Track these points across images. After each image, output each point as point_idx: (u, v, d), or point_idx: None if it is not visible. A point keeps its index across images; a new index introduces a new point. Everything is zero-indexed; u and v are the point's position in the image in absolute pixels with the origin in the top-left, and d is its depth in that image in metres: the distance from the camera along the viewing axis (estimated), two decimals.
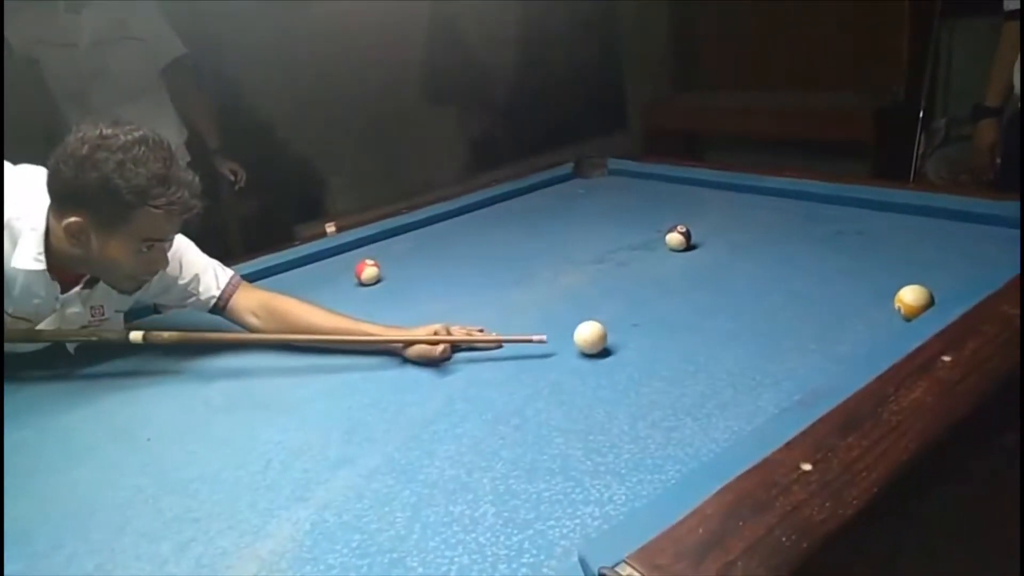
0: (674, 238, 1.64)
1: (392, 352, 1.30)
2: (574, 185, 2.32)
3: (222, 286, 1.41)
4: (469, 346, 1.29)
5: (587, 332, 1.23)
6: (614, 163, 2.36)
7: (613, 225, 1.88)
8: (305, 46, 2.98)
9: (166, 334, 1.29)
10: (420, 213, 2.09)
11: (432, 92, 3.56)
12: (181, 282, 1.39)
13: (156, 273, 1.31)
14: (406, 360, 1.28)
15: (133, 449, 1.11)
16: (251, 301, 1.41)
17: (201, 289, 1.40)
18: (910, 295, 1.20)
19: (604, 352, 1.23)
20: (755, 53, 3.91)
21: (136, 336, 1.27)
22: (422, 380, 1.22)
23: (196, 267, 1.41)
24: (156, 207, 1.18)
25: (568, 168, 2.38)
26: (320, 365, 1.31)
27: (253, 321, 1.39)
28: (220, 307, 1.41)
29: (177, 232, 1.28)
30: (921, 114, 3.26)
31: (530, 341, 1.24)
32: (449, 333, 1.27)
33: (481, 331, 1.33)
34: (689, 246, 1.65)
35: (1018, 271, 1.18)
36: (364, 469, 0.99)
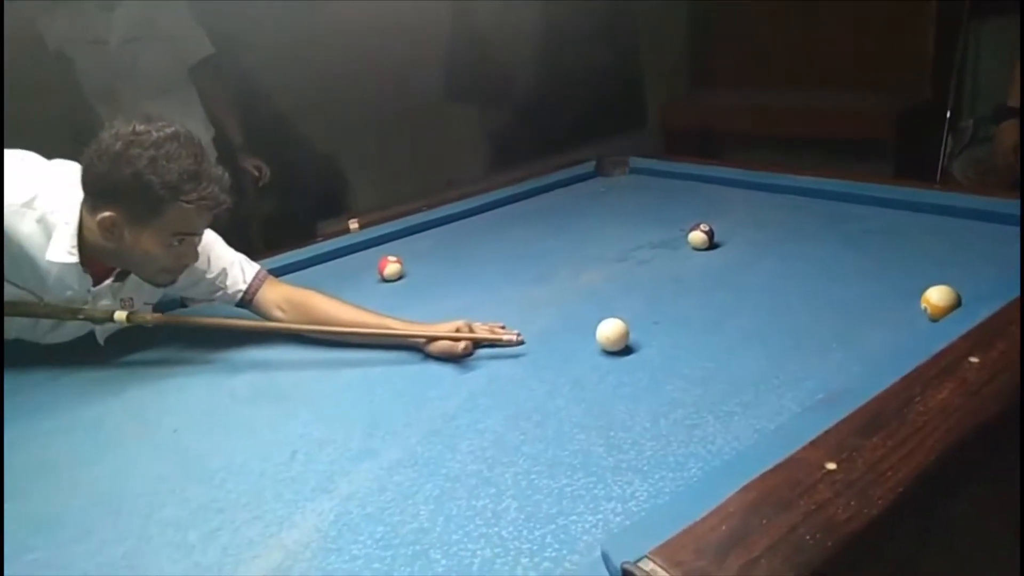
0: (697, 236, 1.64)
1: (414, 347, 1.31)
2: (595, 184, 2.32)
3: (248, 280, 1.43)
4: (491, 343, 1.29)
5: (609, 329, 1.23)
6: (636, 162, 2.35)
7: (634, 224, 1.88)
8: (327, 44, 3.00)
9: (149, 316, 1.34)
10: (442, 210, 2.10)
11: (453, 90, 3.57)
12: (209, 276, 1.41)
13: (187, 266, 1.33)
14: (428, 356, 1.29)
15: (160, 440, 1.13)
16: (277, 295, 1.42)
17: (228, 283, 1.42)
18: (936, 295, 1.18)
19: (626, 349, 1.23)
20: (775, 51, 3.87)
21: (120, 316, 1.30)
22: (444, 375, 1.23)
23: (223, 261, 1.43)
24: (188, 202, 1.20)
25: (590, 167, 2.38)
26: (343, 359, 1.32)
27: (279, 314, 1.41)
28: (247, 300, 1.43)
29: (207, 226, 1.30)
30: (948, 114, 3.22)
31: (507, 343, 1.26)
32: (471, 330, 1.28)
33: (503, 328, 1.34)
34: (712, 245, 1.64)
35: None
36: (387, 462, 1.00)
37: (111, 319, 1.30)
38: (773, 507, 0.74)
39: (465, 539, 0.83)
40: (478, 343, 1.29)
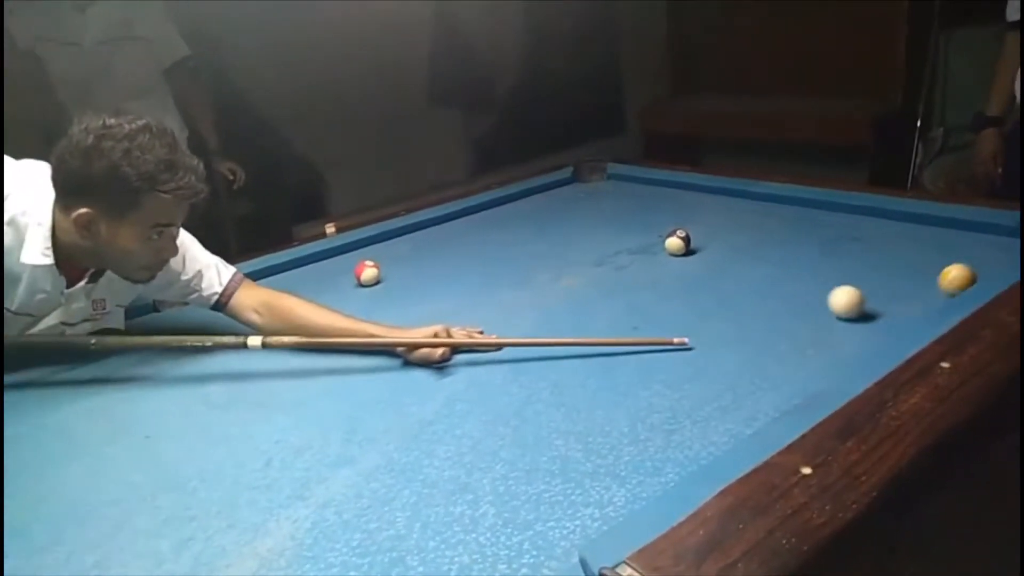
0: (674, 242, 1.65)
1: (392, 352, 1.30)
2: (574, 189, 2.33)
3: (224, 283, 1.41)
4: (469, 348, 1.29)
5: (844, 297, 1.25)
6: (613, 168, 2.36)
7: (612, 229, 1.89)
8: (309, 47, 2.98)
9: (111, 339, 1.34)
10: (420, 215, 2.10)
11: (433, 94, 3.56)
12: (184, 278, 1.39)
13: (166, 261, 1.31)
14: (406, 361, 1.28)
15: (131, 446, 1.11)
16: (253, 299, 1.41)
17: (204, 285, 1.41)
18: (956, 271, 1.27)
19: (603, 353, 1.23)
20: (753, 57, 3.92)
21: (92, 341, 1.31)
22: (422, 381, 1.22)
23: (199, 263, 1.41)
24: (165, 192, 1.19)
25: (568, 172, 2.38)
26: (320, 364, 1.31)
27: (255, 319, 1.39)
28: (222, 304, 1.41)
29: (185, 217, 1.28)
30: (919, 123, 3.28)
31: (670, 343, 1.23)
32: (449, 335, 1.28)
33: (481, 332, 1.33)
34: (689, 251, 1.65)
35: (1017, 278, 1.18)
36: (364, 468, 0.99)
37: (88, 346, 1.30)
38: (750, 512, 0.75)
39: (442, 546, 0.83)
40: (456, 348, 1.28)
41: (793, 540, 0.71)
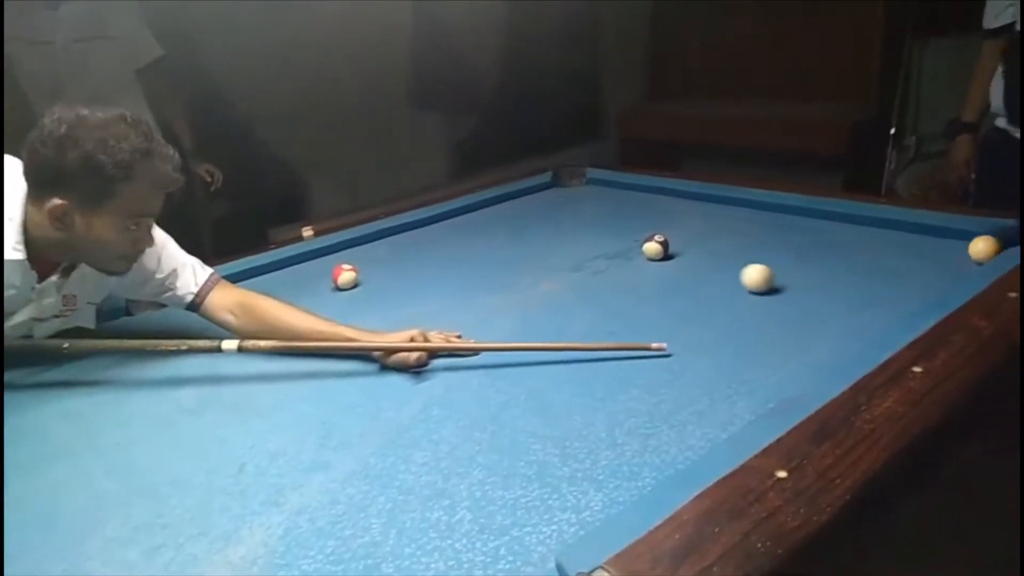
0: (652, 247, 1.65)
1: (368, 357, 1.29)
2: (553, 193, 2.33)
3: (200, 283, 1.40)
4: (447, 353, 1.28)
5: (756, 274, 1.40)
6: (593, 172, 2.37)
7: (591, 233, 1.89)
8: (287, 49, 2.96)
9: (84, 342, 1.31)
10: (399, 218, 2.09)
11: (415, 96, 3.56)
12: (159, 276, 1.38)
13: (143, 252, 1.29)
14: (382, 365, 1.27)
15: (102, 452, 1.09)
16: (228, 300, 1.39)
17: (179, 284, 1.39)
18: (983, 243, 1.43)
19: (580, 358, 1.23)
20: (732, 64, 3.96)
21: (65, 344, 1.29)
22: (399, 386, 1.22)
23: (175, 262, 1.39)
24: (141, 181, 1.17)
25: (547, 176, 2.39)
26: (295, 369, 1.30)
27: (230, 319, 1.37)
28: (197, 304, 1.39)
29: (160, 207, 1.26)
30: (892, 131, 3.33)
31: (648, 348, 1.22)
32: (426, 339, 1.27)
33: (459, 337, 1.33)
34: (667, 255, 1.66)
35: (987, 284, 1.20)
36: (339, 474, 0.98)
37: (60, 348, 1.27)
38: (726, 515, 0.75)
39: (418, 552, 0.82)
40: (433, 353, 1.27)
41: (768, 543, 0.71)
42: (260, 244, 1.97)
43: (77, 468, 1.05)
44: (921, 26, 3.29)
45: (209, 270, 1.43)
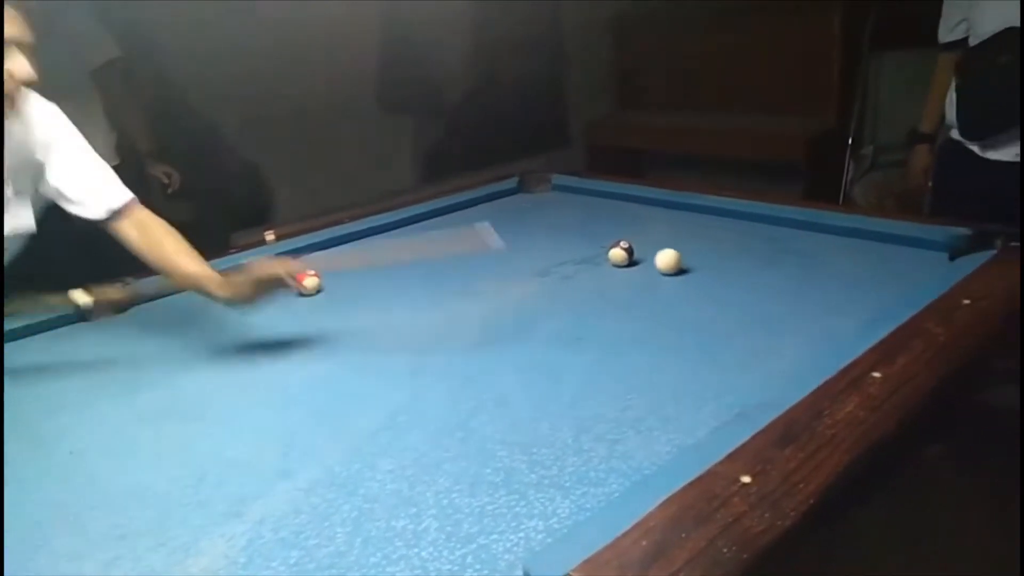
0: (617, 254, 1.66)
1: (333, 361, 1.27)
2: (519, 199, 2.33)
3: (117, 200, 1.38)
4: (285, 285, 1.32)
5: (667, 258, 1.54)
6: (558, 179, 2.38)
7: (557, 240, 1.89)
8: (252, 51, 2.92)
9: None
10: (364, 223, 2.06)
11: (382, 102, 3.54)
12: (79, 183, 1.36)
13: (22, 84, 1.25)
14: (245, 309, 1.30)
15: (55, 462, 1.06)
16: (139, 218, 1.38)
17: (103, 192, 1.37)
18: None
19: (547, 364, 1.23)
20: (695, 76, 4.02)
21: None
22: (364, 392, 1.20)
23: (89, 173, 1.38)
24: None
25: (513, 182, 2.39)
26: (258, 375, 1.28)
27: (133, 236, 1.37)
28: (107, 222, 1.37)
29: (27, 36, 1.23)
30: (850, 141, 3.41)
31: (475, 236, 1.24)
32: (269, 268, 1.30)
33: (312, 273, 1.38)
34: (632, 262, 1.67)
35: (942, 291, 1.24)
36: (303, 483, 0.96)
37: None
38: (692, 521, 0.75)
39: (384, 562, 0.81)
40: (273, 284, 1.30)
41: (734, 548, 0.72)
42: (221, 248, 1.93)
43: (27, 480, 1.02)
44: (878, 39, 3.38)
45: (126, 190, 1.41)
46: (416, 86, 3.63)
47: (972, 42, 2.11)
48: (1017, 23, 1.95)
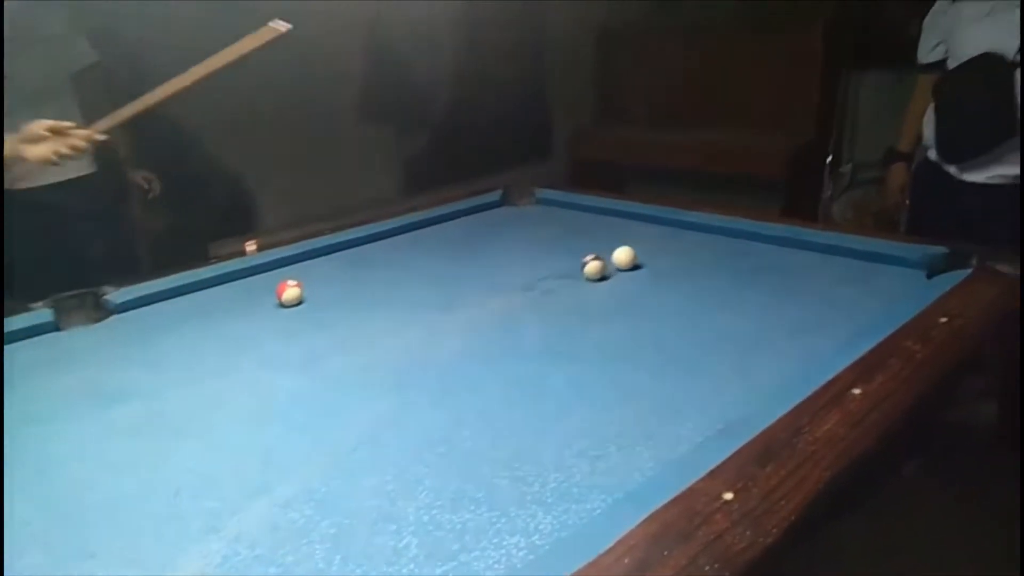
0: (593, 267, 1.66)
1: (306, 376, 1.25)
2: (502, 212, 2.33)
3: None
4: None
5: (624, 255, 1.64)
6: (542, 192, 2.38)
7: (540, 253, 1.89)
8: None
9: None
10: (346, 234, 2.05)
11: (364, 113, 3.53)
12: None
13: None
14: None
15: (23, 478, 1.03)
16: None
17: None
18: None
19: (530, 378, 1.23)
20: (678, 91, 4.06)
21: None
22: (344, 406, 1.19)
23: None
24: None
25: (496, 195, 2.39)
26: (236, 388, 1.26)
27: None
28: None
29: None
30: (829, 159, 3.46)
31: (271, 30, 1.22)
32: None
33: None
34: (603, 276, 1.67)
35: (920, 309, 1.25)
36: (281, 499, 0.95)
37: None
38: (674, 538, 0.75)
39: None
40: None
41: (716, 566, 0.72)
42: (201, 258, 1.91)
43: None
44: (857, 59, 3.44)
45: None
46: (399, 97, 3.63)
47: (950, 64, 2.15)
48: (993, 48, 1.99)
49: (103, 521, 0.92)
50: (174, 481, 1.00)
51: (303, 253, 1.94)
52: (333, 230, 2.07)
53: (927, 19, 2.24)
